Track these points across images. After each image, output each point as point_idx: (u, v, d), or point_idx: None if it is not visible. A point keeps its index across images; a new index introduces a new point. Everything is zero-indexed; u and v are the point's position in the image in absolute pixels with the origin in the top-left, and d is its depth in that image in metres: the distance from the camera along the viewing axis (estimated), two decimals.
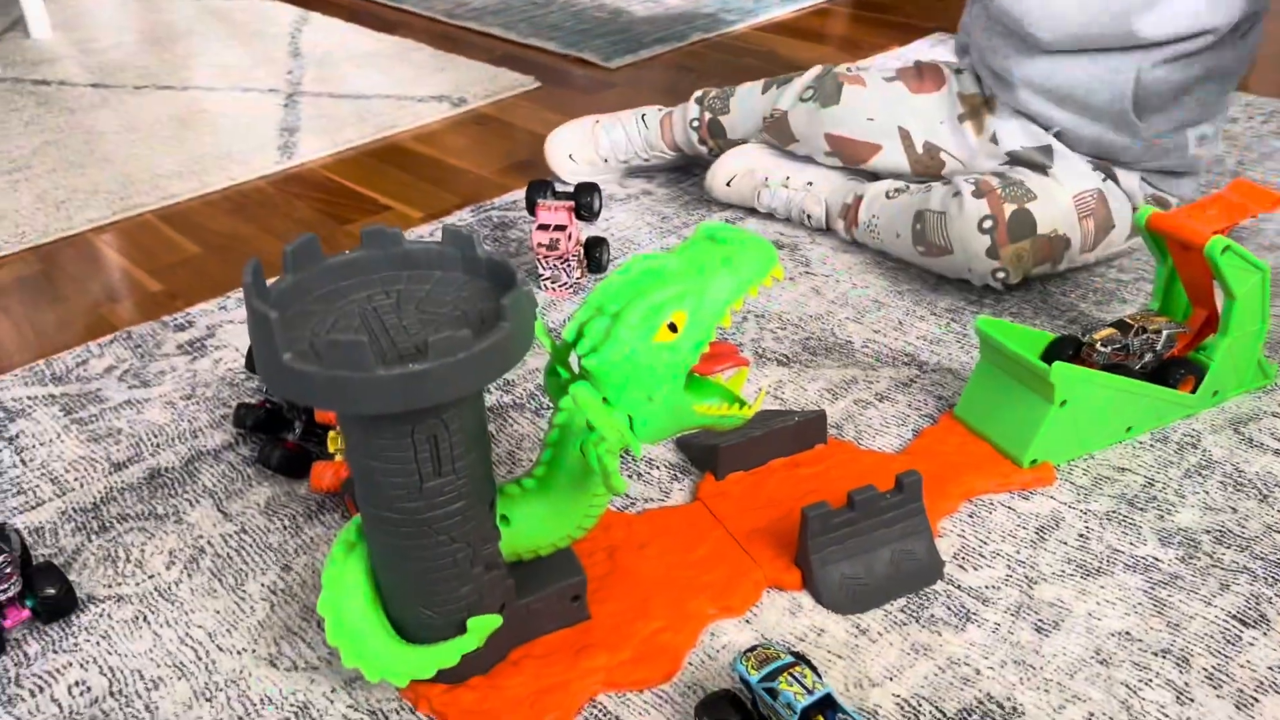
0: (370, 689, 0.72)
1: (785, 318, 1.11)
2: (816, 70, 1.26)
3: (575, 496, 0.69)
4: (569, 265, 1.15)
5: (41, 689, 0.73)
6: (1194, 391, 0.92)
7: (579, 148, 1.39)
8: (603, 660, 0.71)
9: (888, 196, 1.18)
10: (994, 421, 0.90)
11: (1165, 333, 0.91)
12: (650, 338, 0.64)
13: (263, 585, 0.81)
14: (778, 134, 1.27)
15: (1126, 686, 0.70)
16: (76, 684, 0.73)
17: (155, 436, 0.97)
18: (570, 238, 1.14)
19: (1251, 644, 0.72)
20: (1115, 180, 1.12)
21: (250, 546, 0.84)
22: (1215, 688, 0.69)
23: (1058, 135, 1.14)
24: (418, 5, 2.27)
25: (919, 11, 2.04)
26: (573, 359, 0.69)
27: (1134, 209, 1.13)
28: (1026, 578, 0.78)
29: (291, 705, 0.71)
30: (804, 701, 0.61)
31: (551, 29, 2.07)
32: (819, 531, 0.76)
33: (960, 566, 0.79)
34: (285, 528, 0.86)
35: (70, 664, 0.75)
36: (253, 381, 1.04)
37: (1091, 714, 0.68)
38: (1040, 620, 0.75)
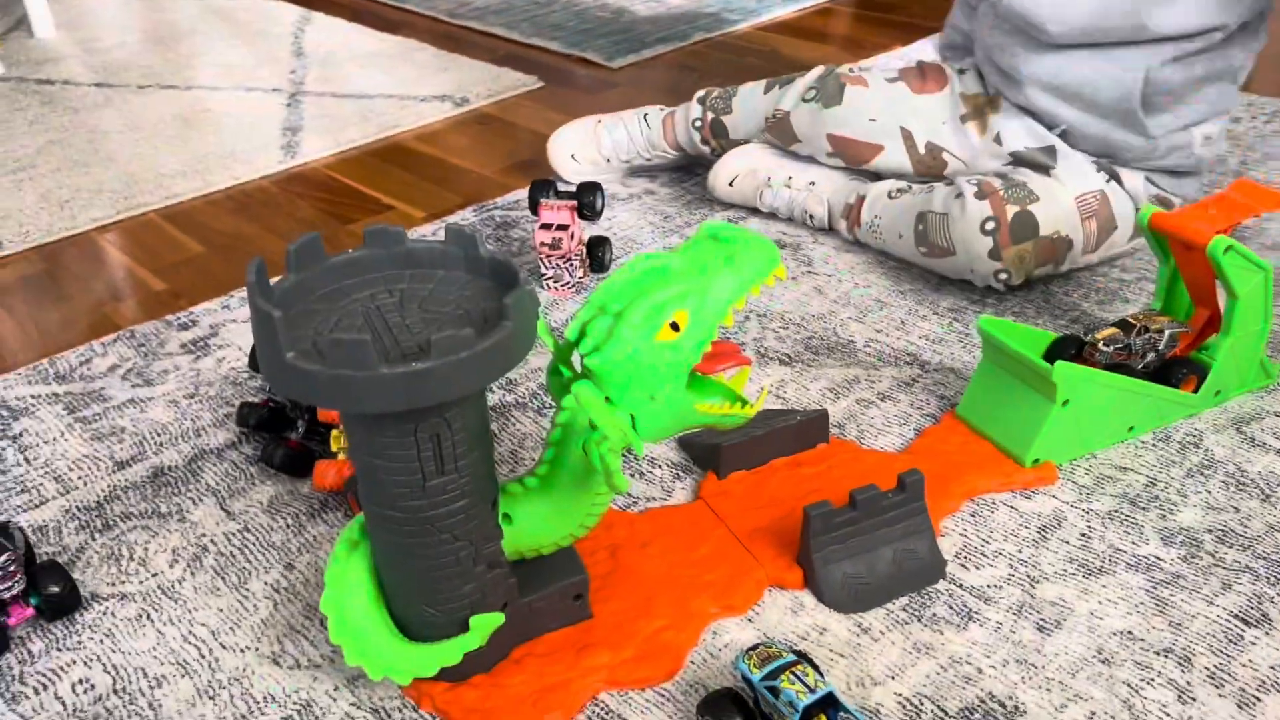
0: (373, 687, 0.72)
1: (787, 317, 1.11)
2: (819, 71, 1.26)
3: (577, 495, 0.70)
4: (571, 264, 1.15)
5: (45, 686, 0.73)
6: (1196, 391, 0.92)
7: (581, 148, 1.39)
8: (605, 659, 0.71)
9: (890, 197, 1.18)
10: (996, 421, 0.90)
11: (1167, 332, 0.91)
12: (653, 337, 0.64)
13: (266, 584, 0.81)
14: (780, 134, 1.27)
15: (1128, 686, 0.70)
16: (80, 682, 0.74)
17: (158, 435, 0.98)
18: (573, 237, 1.14)
19: (1254, 643, 0.72)
20: (1119, 181, 1.12)
21: (253, 545, 0.85)
22: (1217, 687, 0.69)
23: (1062, 135, 1.14)
24: (420, 5, 2.27)
25: (922, 11, 2.04)
26: (575, 358, 0.69)
27: (1137, 209, 1.13)
28: (1028, 577, 0.78)
29: (294, 703, 0.71)
30: (806, 700, 0.61)
31: (554, 29, 2.07)
32: (821, 530, 0.76)
33: (962, 566, 0.80)
34: (288, 526, 0.86)
35: (74, 662, 0.75)
36: (256, 380, 1.05)
37: (1093, 713, 0.68)
38: (1042, 619, 0.75)
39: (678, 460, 0.91)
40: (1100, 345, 0.90)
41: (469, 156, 1.56)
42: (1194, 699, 0.69)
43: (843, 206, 1.23)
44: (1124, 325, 0.92)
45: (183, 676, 0.74)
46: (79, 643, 0.76)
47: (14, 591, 0.76)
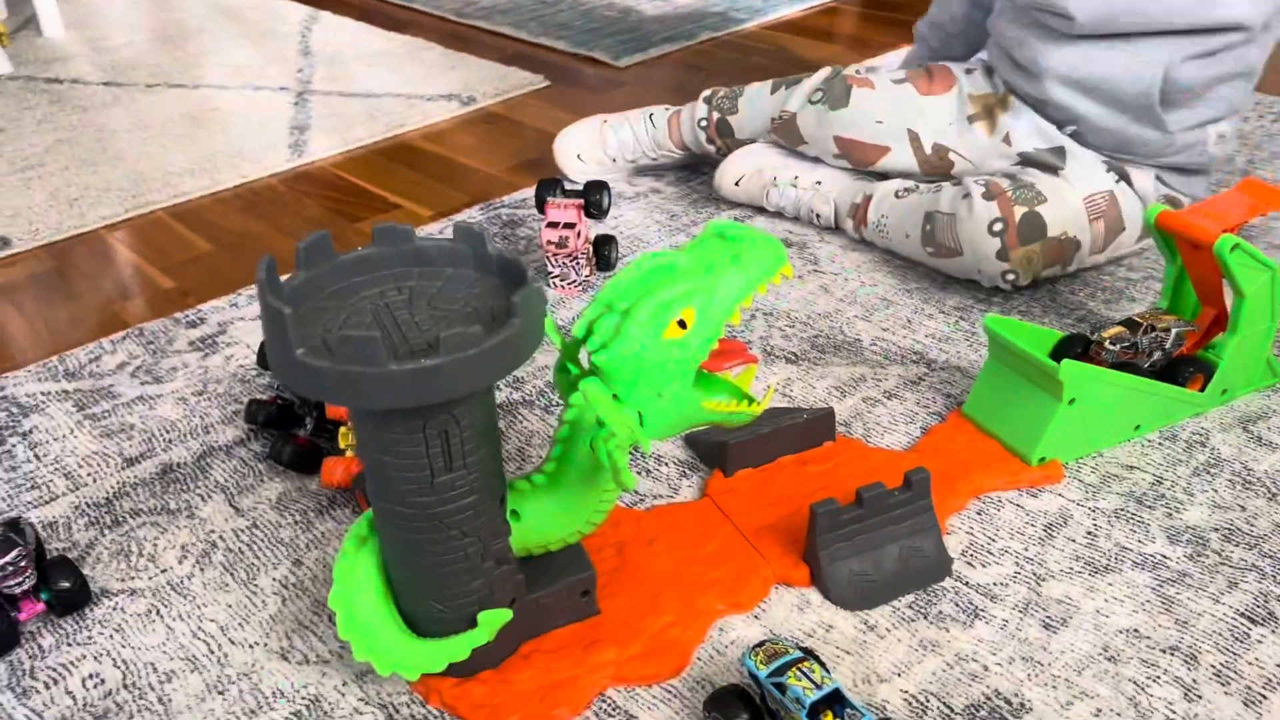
0: (381, 682, 0.72)
1: (794, 315, 1.11)
2: (825, 72, 1.26)
3: (585, 492, 0.70)
4: (578, 263, 1.15)
5: (56, 681, 0.74)
6: (1203, 390, 0.92)
7: (587, 147, 1.39)
8: (612, 655, 0.72)
9: (897, 196, 1.18)
10: (1002, 419, 0.90)
11: (1174, 331, 0.91)
12: (660, 335, 0.65)
13: (274, 580, 0.81)
14: (786, 135, 1.27)
15: (1134, 683, 0.70)
16: (90, 676, 0.74)
17: (167, 432, 0.98)
18: (579, 235, 1.14)
19: (1260, 641, 0.72)
20: (1129, 181, 1.12)
21: (262, 541, 0.85)
22: (1223, 685, 0.70)
23: (1073, 135, 1.14)
24: (427, 4, 2.28)
25: (926, 10, 2.04)
26: (583, 355, 0.69)
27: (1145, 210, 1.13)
28: (1035, 575, 0.78)
29: (303, 698, 0.72)
30: (813, 696, 0.61)
31: (561, 28, 2.07)
32: (827, 528, 0.76)
33: (968, 564, 0.80)
34: (296, 523, 0.87)
35: (84, 656, 0.76)
36: (264, 378, 1.05)
37: (1099, 710, 0.68)
38: (1048, 617, 0.75)
39: (684, 458, 0.91)
40: (1107, 344, 0.90)
41: (476, 155, 1.56)
42: (1200, 697, 0.69)
43: (849, 206, 1.23)
44: (1130, 324, 0.92)
45: (192, 671, 0.74)
46: (89, 638, 0.77)
47: (25, 587, 0.76)
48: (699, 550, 0.80)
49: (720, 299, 0.66)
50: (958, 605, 0.76)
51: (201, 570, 0.83)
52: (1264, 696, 0.69)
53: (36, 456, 0.96)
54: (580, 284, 1.17)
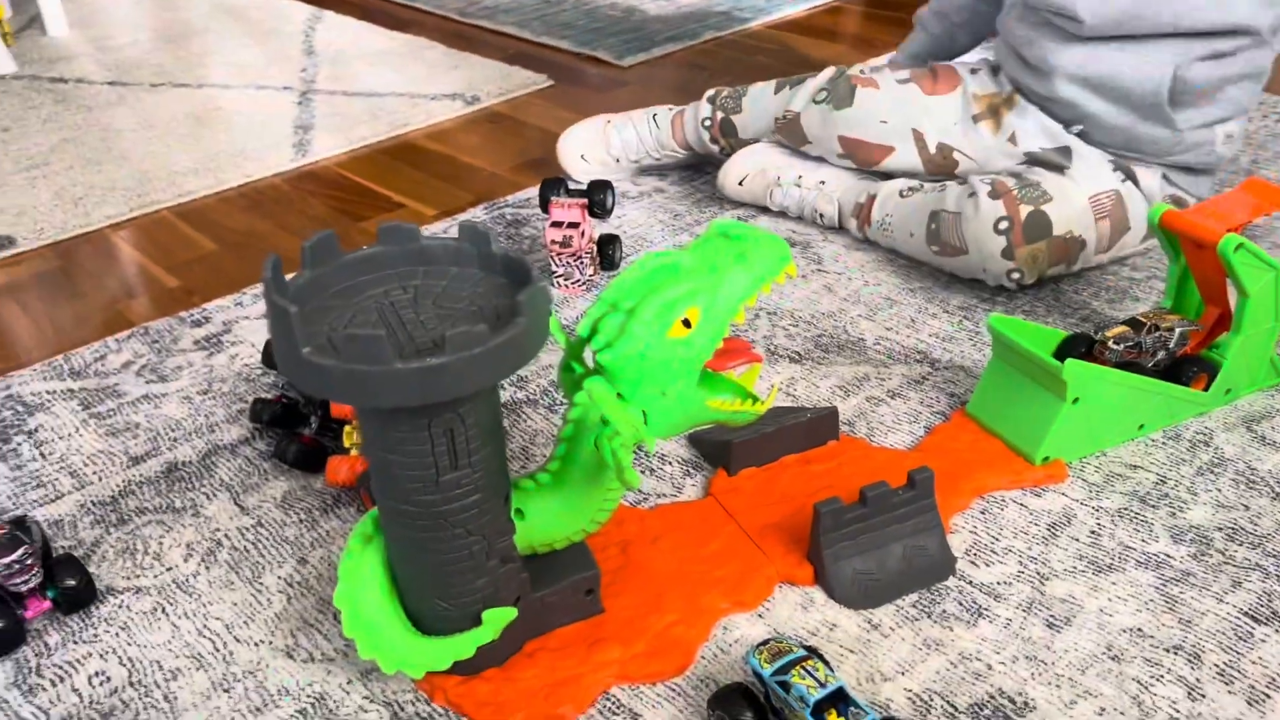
0: (386, 680, 0.72)
1: (797, 315, 1.11)
2: (830, 72, 1.26)
3: (589, 491, 0.70)
4: (582, 262, 1.15)
5: (62, 679, 0.74)
6: (1207, 389, 0.92)
7: (591, 148, 1.39)
8: (616, 653, 0.72)
9: (901, 196, 1.18)
10: (1006, 419, 0.90)
11: (1178, 330, 0.91)
12: (664, 333, 0.65)
13: (279, 578, 0.81)
14: (790, 135, 1.27)
15: (1138, 682, 0.70)
16: (96, 674, 0.74)
17: (172, 431, 0.98)
18: (583, 235, 1.14)
19: (1263, 640, 0.73)
20: (1135, 182, 1.12)
21: (267, 540, 0.85)
22: (1227, 684, 0.70)
23: (1080, 134, 1.14)
24: (431, 4, 2.28)
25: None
26: (587, 354, 0.69)
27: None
28: (1038, 574, 0.78)
29: (308, 696, 0.72)
30: (817, 695, 0.62)
31: (564, 27, 2.07)
32: (831, 527, 0.76)
33: (972, 563, 0.80)
34: (301, 521, 0.87)
35: (90, 654, 0.76)
36: (269, 377, 1.05)
37: (1103, 709, 0.68)
38: (1052, 616, 0.75)
39: (688, 457, 0.92)
40: (1110, 343, 0.90)
41: (479, 155, 1.56)
42: (1203, 696, 0.69)
43: (853, 205, 1.23)
44: (1134, 324, 0.92)
45: (198, 669, 0.74)
46: (95, 636, 0.77)
47: (31, 585, 0.77)
48: (703, 549, 0.80)
49: (725, 298, 0.66)
50: (961, 604, 0.76)
51: (207, 568, 0.83)
52: (1267, 696, 0.69)
53: (42, 455, 0.96)
54: (584, 283, 1.17)
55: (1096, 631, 0.74)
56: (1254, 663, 0.71)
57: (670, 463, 0.91)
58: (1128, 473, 0.88)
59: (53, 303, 1.22)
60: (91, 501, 0.90)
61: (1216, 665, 0.71)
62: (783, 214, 1.31)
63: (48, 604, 0.78)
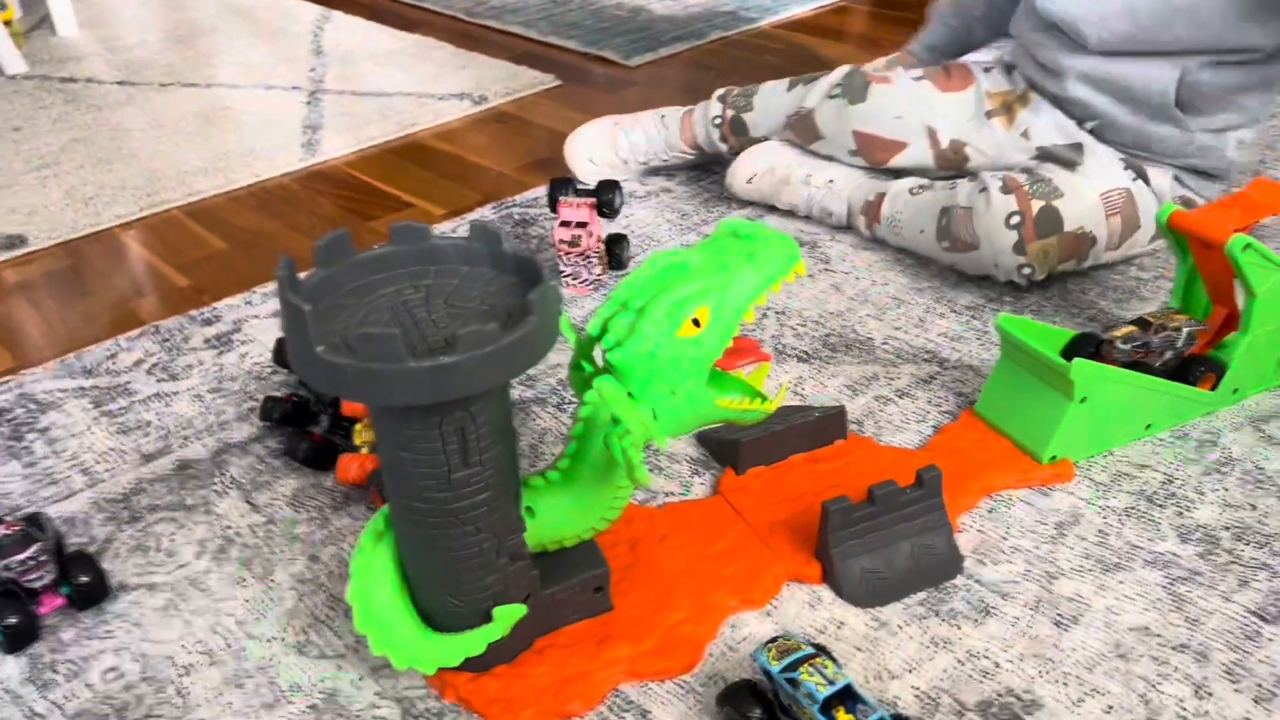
0: (397, 676, 0.73)
1: (805, 314, 1.12)
2: (844, 69, 1.26)
3: (599, 489, 0.70)
4: (590, 262, 1.16)
5: (76, 674, 0.75)
6: (1214, 389, 0.92)
7: (598, 150, 1.39)
8: (625, 650, 0.72)
9: (911, 194, 1.18)
10: (1014, 418, 0.90)
11: (1186, 330, 0.92)
12: (674, 332, 0.65)
13: (290, 575, 0.82)
14: (803, 132, 1.28)
15: (1145, 681, 0.70)
16: (110, 669, 0.75)
17: (184, 429, 0.99)
18: (591, 235, 1.15)
19: (1271, 640, 0.73)
20: (1146, 180, 1.13)
21: (278, 537, 0.86)
22: (1234, 682, 0.70)
23: (1093, 131, 1.14)
24: (438, 4, 2.28)
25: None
26: (597, 353, 0.70)
27: None
28: (1046, 573, 0.79)
29: (320, 692, 0.72)
30: (825, 692, 0.62)
31: (571, 27, 2.08)
32: (839, 525, 0.77)
33: (980, 561, 0.80)
34: (312, 519, 0.87)
35: (104, 650, 0.76)
36: (279, 375, 1.06)
37: (1110, 707, 0.68)
38: (1059, 615, 0.75)
39: (696, 456, 0.92)
40: (1119, 343, 0.90)
41: (487, 154, 1.57)
42: (1210, 694, 0.69)
43: (862, 204, 1.23)
44: (1142, 323, 0.92)
45: (210, 665, 0.75)
46: (108, 631, 0.78)
47: (45, 581, 0.77)
48: (711, 547, 0.81)
49: (734, 297, 0.67)
50: (969, 603, 0.77)
51: (218, 565, 0.83)
52: (1274, 694, 0.69)
53: (55, 453, 0.97)
54: (592, 283, 1.17)
55: (1104, 630, 0.74)
56: (1261, 661, 0.71)
57: (679, 461, 0.91)
58: (1135, 472, 0.88)
59: (64, 301, 1.23)
60: (104, 499, 0.91)
61: (1224, 664, 0.71)
62: (791, 213, 1.31)
63: (61, 600, 0.79)
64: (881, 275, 1.18)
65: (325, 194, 1.47)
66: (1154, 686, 0.70)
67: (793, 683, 0.63)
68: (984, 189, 1.09)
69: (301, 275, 0.61)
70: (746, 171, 1.32)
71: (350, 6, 2.29)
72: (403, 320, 0.61)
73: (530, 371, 1.04)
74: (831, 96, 1.24)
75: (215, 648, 0.76)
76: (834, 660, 0.65)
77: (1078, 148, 1.14)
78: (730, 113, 1.34)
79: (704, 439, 0.93)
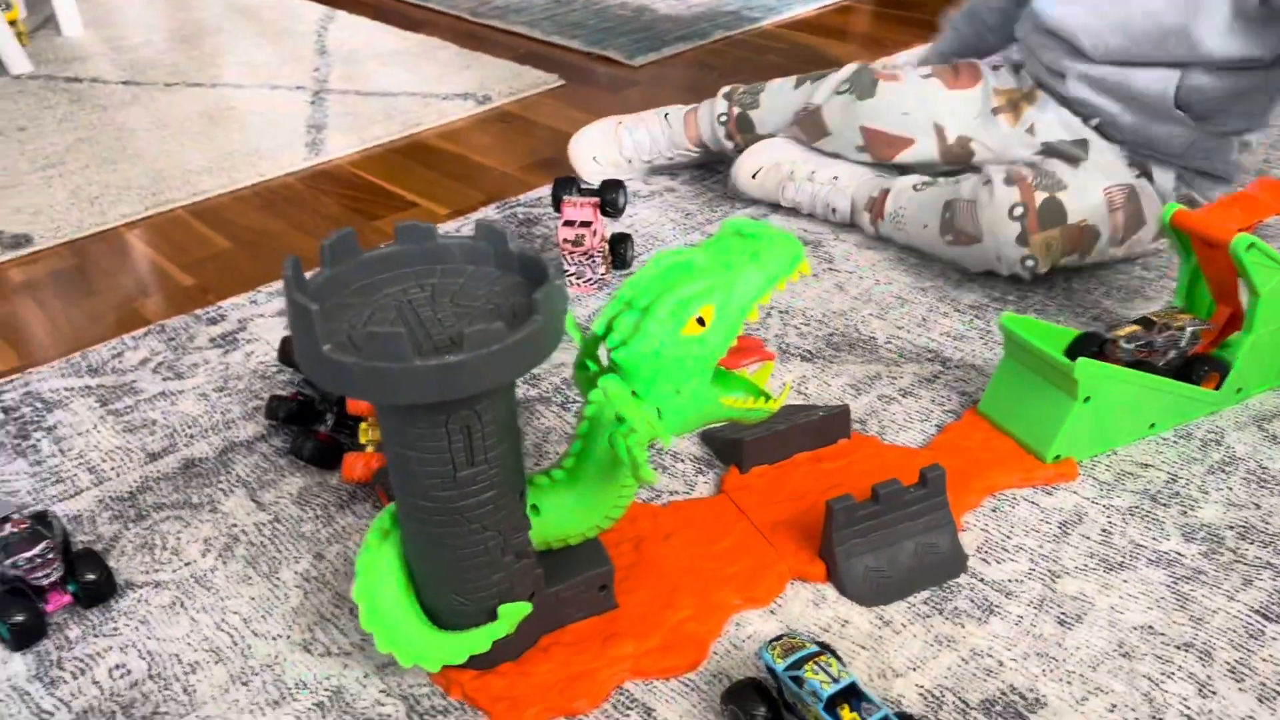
0: (403, 674, 0.73)
1: (809, 314, 1.12)
2: (852, 66, 1.28)
3: (604, 487, 0.71)
4: (594, 261, 1.16)
5: (83, 671, 0.75)
6: (1218, 388, 0.92)
7: (602, 149, 1.40)
8: (630, 648, 0.73)
9: (915, 189, 1.19)
10: (1017, 417, 0.90)
11: (1189, 329, 0.92)
12: (679, 331, 0.66)
13: (296, 573, 0.82)
14: (810, 128, 1.28)
15: (1149, 679, 0.70)
16: (117, 667, 0.75)
17: (189, 427, 0.99)
18: (595, 234, 1.15)
19: (1275, 638, 0.73)
20: (1150, 178, 1.13)
21: (283, 535, 0.86)
22: (1238, 681, 0.70)
23: (1098, 128, 1.15)
24: (442, 3, 2.29)
25: (942, 8, 2.04)
26: (601, 352, 0.70)
27: None
28: (1049, 572, 0.79)
29: (326, 689, 0.73)
30: (830, 689, 0.62)
31: (575, 27, 2.08)
32: (843, 524, 0.77)
33: (983, 560, 0.80)
34: (317, 517, 0.88)
35: (110, 647, 0.77)
36: (284, 374, 1.06)
37: (1114, 706, 0.69)
38: (1063, 613, 0.75)
39: (700, 455, 0.92)
40: (1122, 342, 0.90)
41: (491, 154, 1.57)
42: (1214, 693, 0.69)
43: (866, 200, 1.24)
44: (1145, 323, 0.92)
45: (216, 663, 0.75)
46: (115, 629, 0.78)
47: (52, 578, 0.78)
48: (715, 546, 0.81)
49: (739, 296, 0.67)
50: (973, 601, 0.77)
51: (224, 563, 0.84)
52: (1278, 693, 0.69)
53: (61, 451, 0.97)
54: (596, 282, 1.17)
55: (1108, 629, 0.74)
56: (1265, 660, 0.71)
57: (682, 460, 0.92)
58: (1139, 471, 0.88)
59: (69, 300, 1.23)
60: (110, 497, 0.91)
61: (1227, 663, 0.71)
62: (794, 211, 1.31)
63: (68, 598, 0.79)
64: (885, 274, 1.18)
65: (329, 194, 1.47)
66: (1158, 685, 0.70)
67: (797, 681, 0.64)
68: (988, 181, 1.10)
69: (307, 275, 0.62)
70: (751, 166, 1.32)
71: (354, 6, 2.29)
72: (408, 319, 0.61)
73: (534, 370, 1.04)
74: (839, 93, 1.25)
75: (221, 645, 0.76)
76: (838, 658, 0.65)
77: (1082, 144, 1.14)
78: (736, 110, 1.34)
79: (707, 438, 0.93)
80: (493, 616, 0.69)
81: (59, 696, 0.73)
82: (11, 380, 1.08)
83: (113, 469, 0.94)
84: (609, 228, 1.26)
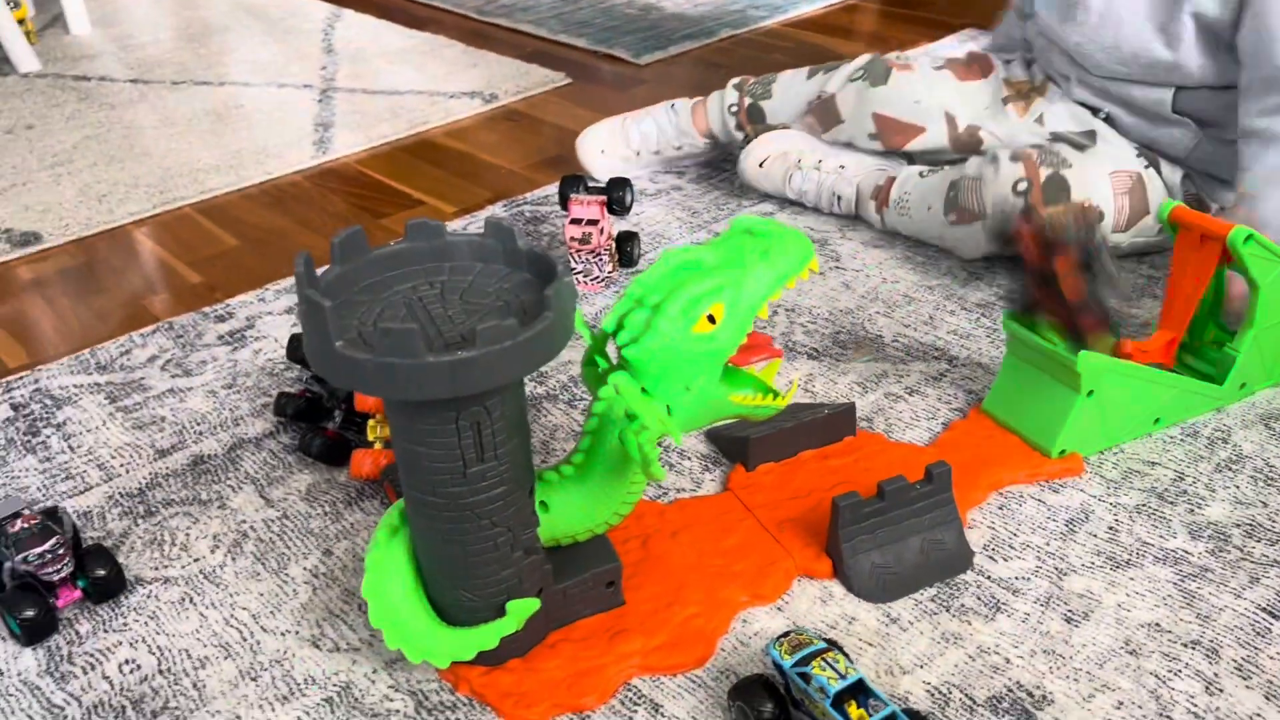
0: (411, 670, 0.73)
1: (816, 312, 1.12)
2: (865, 57, 1.30)
3: (612, 484, 0.71)
4: (600, 259, 1.16)
5: (93, 666, 0.75)
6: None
7: (610, 143, 1.40)
8: (638, 645, 0.73)
9: (920, 176, 1.20)
10: (1022, 414, 0.90)
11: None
12: (689, 329, 0.66)
13: (305, 569, 0.83)
14: (824, 116, 1.29)
15: (1156, 676, 0.70)
16: (126, 662, 0.76)
17: (198, 424, 1.00)
18: (602, 232, 1.15)
19: None
20: (1158, 170, 1.14)
21: (292, 531, 0.86)
22: (1244, 679, 0.70)
23: (1106, 119, 1.17)
24: (449, 2, 2.29)
25: (948, 7, 2.04)
26: (611, 349, 0.70)
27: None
28: (1056, 569, 0.79)
29: (334, 685, 0.73)
30: (837, 686, 0.62)
31: (581, 25, 2.08)
32: (849, 521, 0.77)
33: (990, 557, 0.80)
34: (326, 513, 0.88)
35: (120, 643, 0.77)
36: (293, 371, 1.07)
37: (1121, 703, 0.69)
38: (1070, 611, 0.76)
39: (707, 452, 0.92)
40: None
41: (498, 152, 1.57)
42: (1221, 690, 0.69)
43: (871, 188, 1.24)
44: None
45: (225, 658, 0.75)
46: (125, 625, 0.79)
47: (63, 574, 0.78)
48: (722, 543, 0.81)
49: (750, 294, 0.67)
50: (979, 598, 0.77)
51: (233, 559, 0.84)
52: None
53: (70, 448, 0.98)
54: (603, 280, 1.18)
55: (1114, 626, 0.74)
56: (1272, 658, 0.71)
57: (689, 458, 0.92)
58: (1146, 469, 0.88)
59: (78, 298, 1.24)
60: (119, 493, 0.92)
61: (1234, 660, 0.71)
62: (800, 205, 1.31)
63: (78, 593, 0.79)
64: (892, 273, 1.19)
65: (337, 191, 1.48)
66: (1164, 682, 0.70)
67: (805, 677, 0.64)
68: (994, 159, 1.11)
69: (318, 272, 0.62)
70: (759, 155, 1.32)
71: (361, 5, 2.29)
72: (418, 316, 0.61)
73: (542, 368, 1.04)
74: (853, 80, 1.27)
75: (230, 641, 0.77)
76: (846, 655, 0.65)
77: (1090, 134, 1.16)
78: (747, 100, 1.34)
79: (714, 435, 0.93)
80: (501, 613, 0.69)
81: (69, 691, 0.74)
82: (21, 377, 1.08)
83: (122, 465, 0.95)
84: (616, 226, 1.27)
